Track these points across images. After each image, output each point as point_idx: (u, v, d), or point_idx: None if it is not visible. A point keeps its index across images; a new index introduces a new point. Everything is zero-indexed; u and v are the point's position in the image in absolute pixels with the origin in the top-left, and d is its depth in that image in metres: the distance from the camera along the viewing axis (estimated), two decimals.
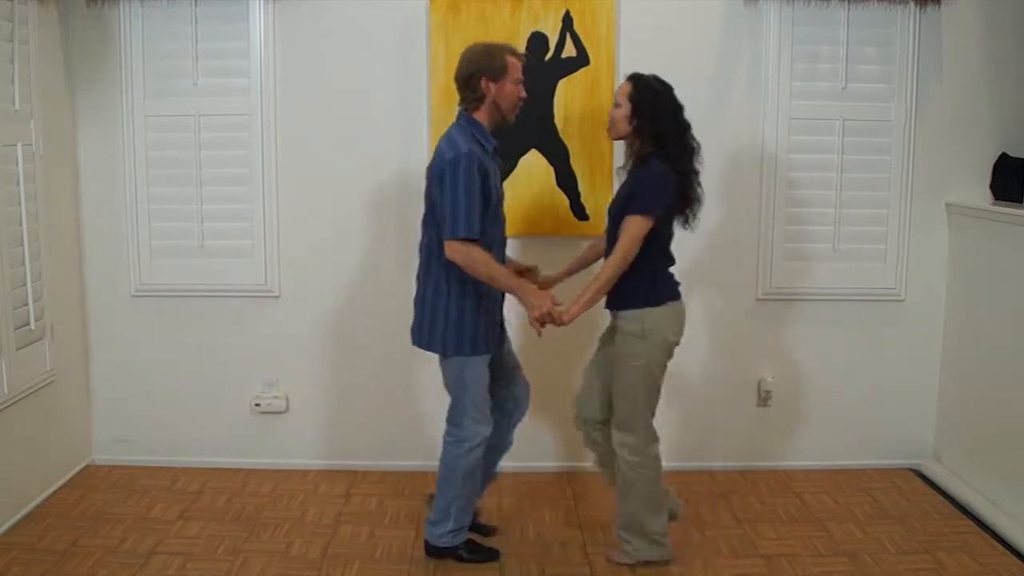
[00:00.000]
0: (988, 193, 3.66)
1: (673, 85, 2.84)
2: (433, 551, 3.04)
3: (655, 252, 2.87)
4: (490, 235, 2.82)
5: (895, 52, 3.61)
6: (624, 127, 2.83)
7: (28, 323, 3.30)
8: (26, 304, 3.29)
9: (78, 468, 3.74)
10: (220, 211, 3.66)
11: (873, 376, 3.79)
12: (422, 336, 2.91)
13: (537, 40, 3.55)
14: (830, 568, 3.02)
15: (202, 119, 3.60)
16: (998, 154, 3.64)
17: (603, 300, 2.93)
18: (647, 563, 3.00)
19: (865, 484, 3.69)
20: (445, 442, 2.98)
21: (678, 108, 2.83)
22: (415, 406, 3.67)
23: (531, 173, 3.60)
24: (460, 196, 2.69)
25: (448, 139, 2.79)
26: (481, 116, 2.83)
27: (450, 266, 2.77)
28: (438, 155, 2.77)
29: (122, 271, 3.72)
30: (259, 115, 3.60)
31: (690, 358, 3.76)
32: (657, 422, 3.81)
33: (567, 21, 3.54)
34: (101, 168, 3.68)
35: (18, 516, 3.27)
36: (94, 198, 3.70)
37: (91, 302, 3.77)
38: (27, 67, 3.27)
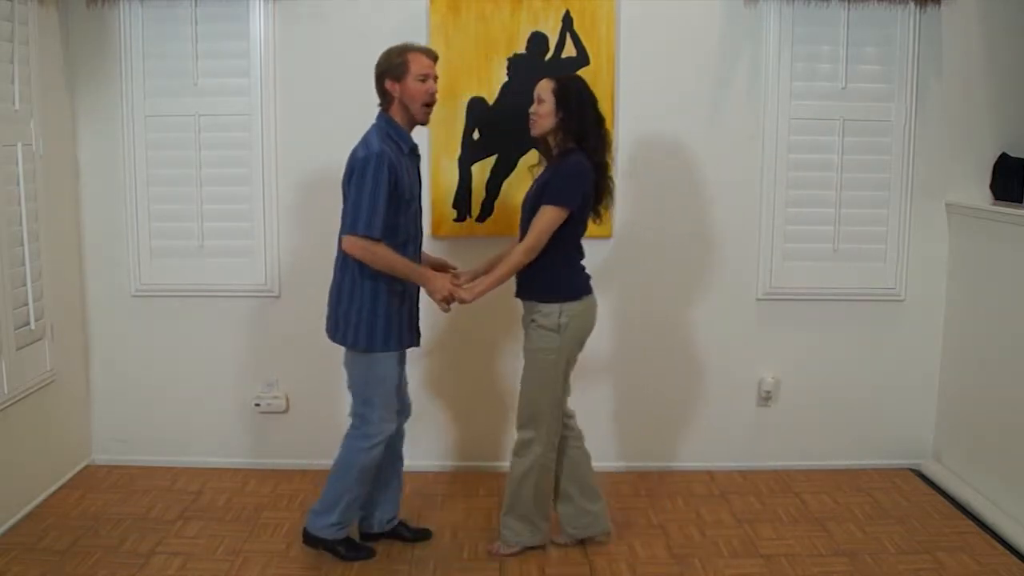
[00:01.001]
0: (988, 193, 3.66)
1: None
2: (311, 540, 3.04)
3: (571, 246, 2.94)
4: (404, 233, 2.88)
5: (895, 52, 3.61)
6: (549, 122, 2.89)
7: (28, 323, 3.30)
8: (26, 304, 3.29)
9: (78, 468, 3.74)
10: (220, 211, 3.66)
11: (873, 376, 3.79)
12: (347, 334, 2.91)
13: (537, 40, 3.55)
14: (830, 568, 3.02)
15: (202, 119, 3.60)
16: (998, 154, 3.64)
17: (511, 288, 3.00)
18: (530, 548, 3.07)
19: (865, 484, 3.69)
20: (348, 436, 2.99)
21: (596, 101, 2.92)
22: (414, 406, 3.66)
23: (531, 173, 3.59)
24: (364, 195, 2.74)
25: (364, 138, 2.85)
26: (395, 115, 2.88)
27: (350, 260, 2.83)
28: (352, 153, 2.83)
29: (122, 271, 3.72)
30: (259, 115, 3.60)
31: (690, 358, 3.76)
32: (658, 421, 3.84)
33: (567, 21, 3.54)
34: (101, 168, 3.68)
35: (18, 516, 3.28)
36: (94, 198, 3.70)
37: (91, 302, 3.77)
38: (27, 67, 3.27)
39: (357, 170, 2.77)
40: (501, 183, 3.61)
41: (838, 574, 2.98)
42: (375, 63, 2.90)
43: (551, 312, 2.89)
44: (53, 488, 3.53)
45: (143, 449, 3.80)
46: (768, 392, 3.79)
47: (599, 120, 2.92)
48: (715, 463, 3.81)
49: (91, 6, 3.51)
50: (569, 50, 3.55)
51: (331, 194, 3.64)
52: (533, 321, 2.94)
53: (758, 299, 3.74)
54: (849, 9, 3.56)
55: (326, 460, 3.73)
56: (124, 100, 3.61)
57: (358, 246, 2.78)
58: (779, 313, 3.75)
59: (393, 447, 3.11)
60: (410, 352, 3.08)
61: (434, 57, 2.91)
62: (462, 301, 2.90)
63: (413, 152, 2.94)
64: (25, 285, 3.28)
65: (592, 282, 3.02)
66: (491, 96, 3.57)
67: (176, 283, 3.71)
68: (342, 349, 3.24)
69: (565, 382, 2.99)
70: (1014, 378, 3.27)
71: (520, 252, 2.87)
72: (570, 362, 2.98)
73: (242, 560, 3.04)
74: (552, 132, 2.91)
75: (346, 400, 3.74)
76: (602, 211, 3.01)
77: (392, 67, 2.84)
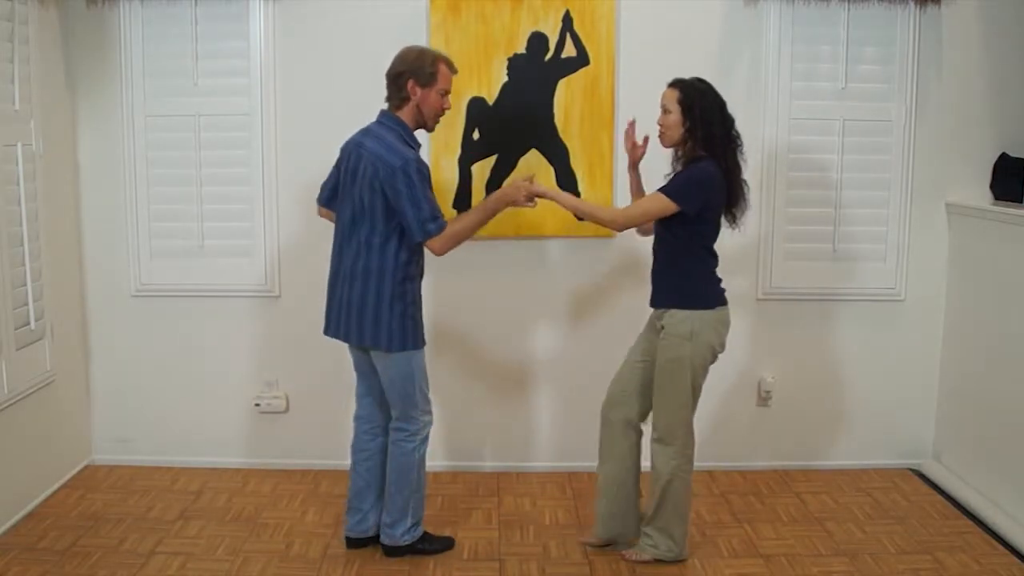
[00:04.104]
0: (988, 193, 3.66)
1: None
2: (394, 552, 3.04)
3: (703, 252, 2.89)
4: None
5: (895, 52, 3.61)
6: (677, 133, 2.84)
7: (28, 323, 3.30)
8: (26, 304, 3.29)
9: (78, 468, 3.74)
10: (220, 211, 3.66)
11: (873, 376, 3.79)
12: (364, 335, 2.89)
13: (537, 40, 3.55)
14: (830, 568, 3.02)
15: (202, 119, 3.61)
16: (998, 154, 3.64)
17: (649, 298, 2.98)
18: (659, 561, 3.02)
19: (865, 484, 3.69)
20: (395, 441, 2.99)
21: (723, 105, 2.84)
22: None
23: (531, 173, 3.60)
24: (420, 197, 2.77)
25: (385, 144, 2.81)
26: (404, 116, 2.87)
27: (399, 266, 2.84)
28: (381, 162, 2.78)
29: (122, 271, 3.72)
30: (259, 115, 3.60)
31: None
32: None
33: (567, 21, 3.54)
34: (101, 168, 3.68)
35: (18, 516, 3.28)
36: (94, 198, 3.71)
37: (91, 302, 3.77)
38: (27, 67, 3.27)
39: (401, 178, 2.74)
40: (501, 183, 3.61)
41: (838, 574, 2.98)
42: (398, 57, 2.86)
43: (683, 319, 2.85)
44: (53, 488, 3.53)
45: (143, 449, 3.80)
46: (768, 392, 3.79)
47: (727, 124, 2.83)
48: (715, 463, 3.81)
49: (91, 6, 3.51)
50: (569, 50, 3.55)
51: None
52: (663, 328, 2.91)
53: (758, 299, 3.74)
54: (849, 9, 3.56)
55: (326, 460, 3.76)
56: (124, 100, 3.61)
57: (444, 239, 2.83)
58: (779, 313, 3.75)
59: (385, 450, 3.10)
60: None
61: (455, 72, 2.94)
62: (540, 195, 2.92)
63: (417, 152, 2.96)
64: (25, 285, 3.28)
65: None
66: (491, 96, 3.57)
67: (176, 283, 3.71)
68: (341, 349, 3.24)
69: (697, 392, 2.92)
70: (1014, 378, 3.27)
71: (615, 212, 2.94)
72: (702, 371, 2.90)
73: (242, 560, 3.04)
74: (680, 142, 2.86)
75: (346, 400, 3.76)
76: (738, 215, 2.93)
77: (422, 73, 2.82)
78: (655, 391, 2.95)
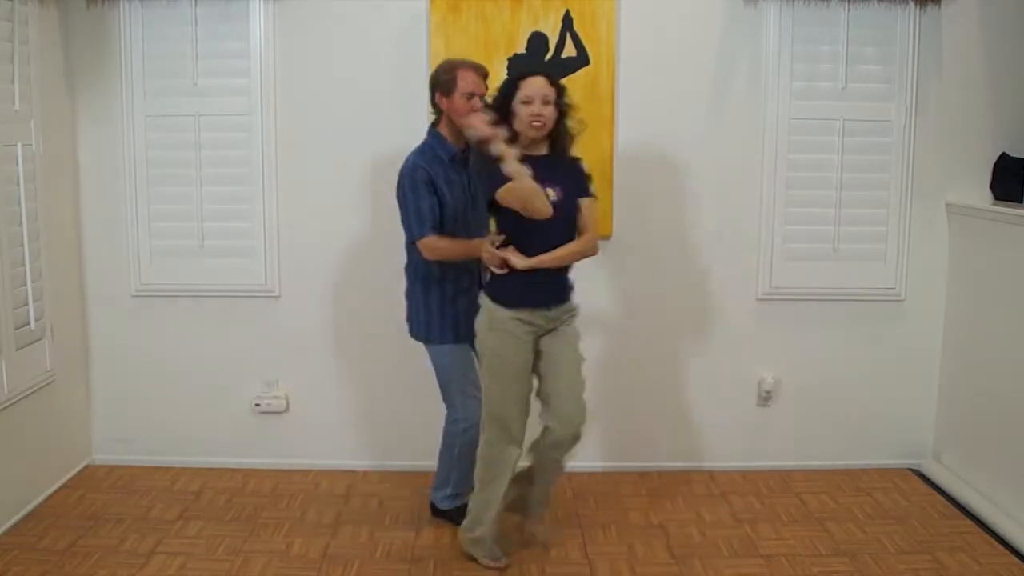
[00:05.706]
0: (988, 193, 3.66)
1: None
2: (436, 512, 3.32)
3: None
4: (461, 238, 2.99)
5: (895, 52, 3.61)
6: (551, 123, 2.87)
7: (28, 323, 3.30)
8: (26, 304, 3.29)
9: (78, 468, 3.74)
10: (220, 211, 3.66)
11: (873, 376, 3.79)
12: (411, 326, 3.14)
13: (537, 40, 3.55)
14: (830, 568, 3.02)
15: (202, 119, 3.61)
16: (998, 154, 3.64)
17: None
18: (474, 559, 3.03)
19: (865, 484, 3.69)
20: (446, 421, 3.20)
21: None
22: (415, 405, 3.67)
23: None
24: (408, 205, 2.94)
25: (412, 152, 3.00)
26: (443, 129, 3.02)
27: (420, 263, 3.01)
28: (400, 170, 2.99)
29: (122, 271, 3.72)
30: (259, 115, 3.60)
31: (690, 358, 3.76)
32: (658, 421, 3.84)
33: (567, 21, 3.54)
34: (101, 168, 3.68)
35: (18, 516, 3.28)
36: (94, 198, 3.70)
37: (91, 302, 3.77)
38: (27, 67, 3.27)
39: (398, 185, 2.96)
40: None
41: (838, 574, 2.98)
42: (431, 76, 3.01)
43: (577, 307, 3.01)
44: (53, 488, 3.53)
45: (143, 449, 3.80)
46: (768, 392, 3.79)
47: None
48: (715, 463, 3.81)
49: (91, 6, 3.51)
50: (569, 50, 3.55)
51: (331, 194, 3.67)
52: (570, 314, 2.98)
53: (758, 299, 3.74)
54: (849, 9, 3.56)
55: (326, 460, 3.77)
56: (124, 100, 3.61)
57: (425, 247, 2.94)
58: (779, 313, 3.75)
59: (474, 442, 3.12)
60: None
61: (484, 74, 2.99)
62: (514, 267, 2.85)
63: (453, 160, 3.01)
64: (25, 285, 3.28)
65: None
66: (491, 96, 3.56)
67: (176, 283, 3.71)
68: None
69: None
70: (1014, 378, 3.27)
71: (588, 240, 2.91)
72: None
73: (242, 560, 3.04)
74: (552, 134, 2.88)
75: (346, 400, 3.79)
76: None
77: (440, 83, 2.96)
78: (576, 372, 2.99)
